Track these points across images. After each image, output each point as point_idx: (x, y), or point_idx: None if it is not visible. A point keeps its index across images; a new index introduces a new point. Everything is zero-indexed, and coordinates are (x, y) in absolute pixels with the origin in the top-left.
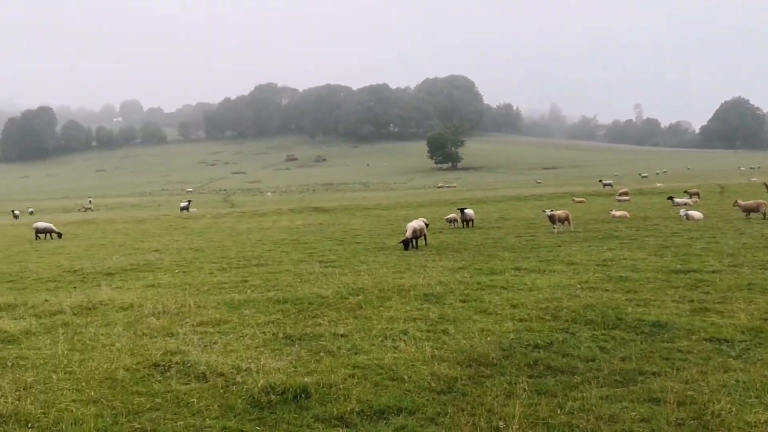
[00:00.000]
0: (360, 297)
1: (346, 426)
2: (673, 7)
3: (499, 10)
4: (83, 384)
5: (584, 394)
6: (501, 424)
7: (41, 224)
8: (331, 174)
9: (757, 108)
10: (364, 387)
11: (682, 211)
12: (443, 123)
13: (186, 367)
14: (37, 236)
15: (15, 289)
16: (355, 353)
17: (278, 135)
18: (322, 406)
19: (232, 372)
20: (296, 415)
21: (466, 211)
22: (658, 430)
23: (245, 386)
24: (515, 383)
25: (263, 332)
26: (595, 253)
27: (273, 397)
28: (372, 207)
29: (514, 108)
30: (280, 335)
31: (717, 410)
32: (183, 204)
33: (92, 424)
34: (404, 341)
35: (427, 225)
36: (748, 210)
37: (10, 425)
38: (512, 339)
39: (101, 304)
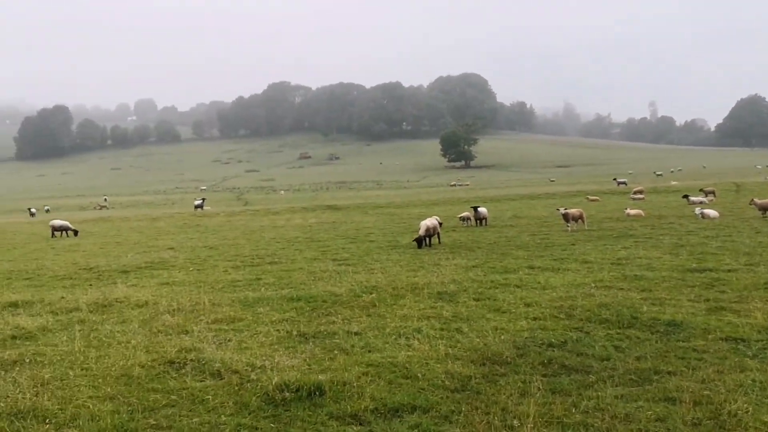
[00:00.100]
0: (373, 295)
1: (360, 424)
2: (688, 1)
3: (512, 5)
4: (100, 380)
5: (599, 393)
6: (515, 422)
7: (57, 222)
8: (344, 172)
9: None
10: (378, 385)
11: (697, 210)
12: (456, 121)
13: (201, 364)
14: (53, 234)
15: (32, 287)
16: (369, 351)
17: (291, 133)
18: (336, 403)
19: (246, 369)
20: (310, 413)
21: (479, 209)
22: (673, 430)
23: (260, 384)
24: (529, 382)
25: (277, 330)
26: (609, 251)
27: (287, 394)
28: (385, 205)
29: (528, 106)
30: (294, 333)
31: (733, 410)
32: (197, 202)
33: (109, 421)
34: (418, 339)
35: (440, 224)
36: (765, 208)
37: (28, 421)
38: (526, 338)
39: (117, 302)
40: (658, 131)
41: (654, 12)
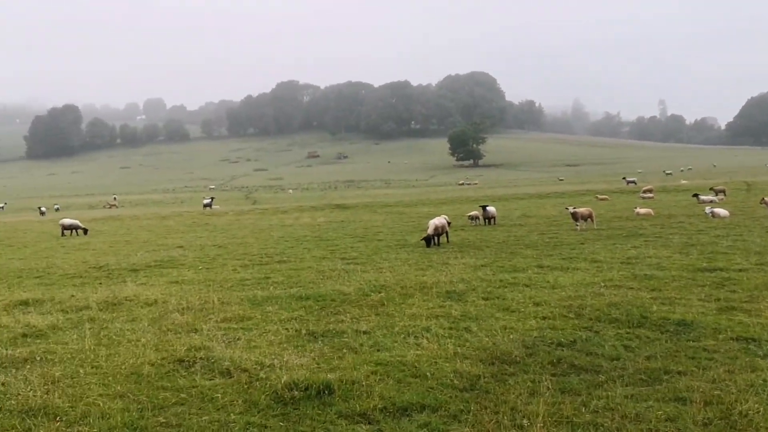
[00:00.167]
0: (382, 294)
1: (369, 423)
2: None
3: (521, 2)
4: (110, 378)
5: (609, 393)
6: (525, 422)
7: (67, 221)
8: (353, 171)
9: None
10: (387, 384)
11: (707, 209)
12: (465, 120)
13: (210, 362)
14: (63, 233)
15: (42, 285)
16: (378, 350)
17: (300, 132)
18: (345, 402)
19: (255, 368)
20: (319, 412)
21: (488, 208)
22: (684, 430)
23: (269, 382)
24: (539, 381)
25: (286, 329)
26: (619, 250)
27: (296, 393)
28: (393, 204)
29: (537, 105)
30: (303, 332)
31: (744, 410)
32: (206, 201)
33: (119, 418)
34: (427, 338)
35: (449, 223)
36: None
37: (39, 418)
38: (535, 337)
39: (126, 300)
40: (667, 130)
41: (663, 9)
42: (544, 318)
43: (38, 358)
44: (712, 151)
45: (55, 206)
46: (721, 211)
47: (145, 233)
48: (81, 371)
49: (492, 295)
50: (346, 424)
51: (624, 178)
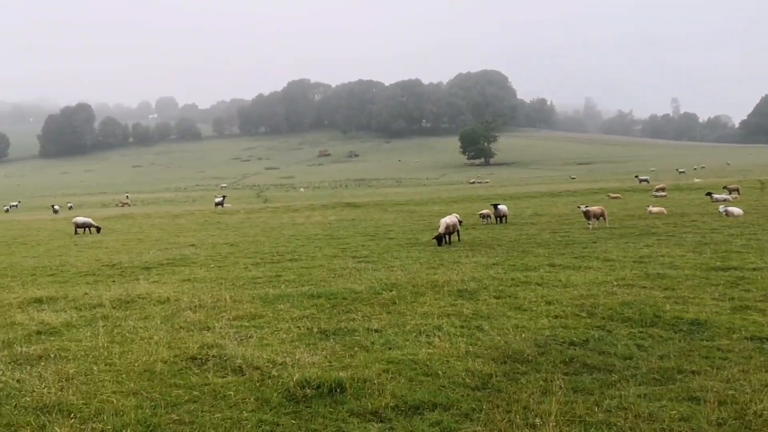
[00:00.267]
0: (393, 292)
1: (381, 421)
2: None
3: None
4: (123, 376)
5: (622, 392)
6: (537, 421)
7: (80, 219)
8: (364, 169)
9: None
10: (399, 382)
11: (721, 207)
12: (476, 118)
13: (222, 360)
14: (76, 231)
15: (56, 283)
16: (389, 348)
17: (311, 131)
18: (357, 400)
19: (267, 366)
20: (331, 410)
21: (499, 206)
22: (698, 430)
23: (281, 380)
24: (551, 380)
25: (298, 327)
26: (631, 249)
27: (308, 391)
28: (404, 202)
29: (548, 103)
30: (315, 330)
31: (759, 410)
32: (217, 199)
33: (132, 415)
34: (438, 337)
35: (460, 221)
36: None
37: (54, 415)
38: (547, 336)
39: (139, 298)
40: (680, 128)
41: (677, 5)
42: (556, 317)
43: (52, 355)
44: (726, 149)
45: (69, 204)
46: (735, 210)
47: (158, 231)
48: (95, 368)
49: (504, 293)
50: (357, 422)
51: (636, 177)
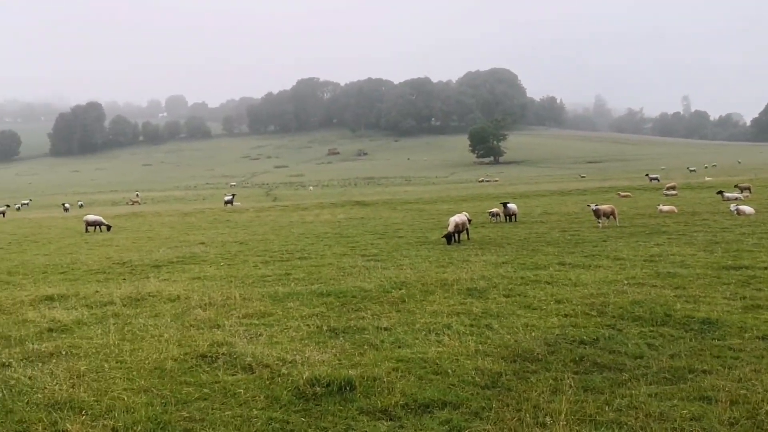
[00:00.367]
0: (403, 291)
1: (391, 419)
2: None
3: None
4: (134, 373)
5: (632, 392)
6: (547, 419)
7: (91, 217)
8: (373, 168)
9: None
10: (408, 380)
11: (732, 206)
12: (485, 117)
13: (232, 358)
14: (87, 229)
15: (67, 280)
16: (399, 347)
17: (320, 129)
18: (366, 398)
19: (277, 364)
20: (341, 408)
21: (509, 205)
22: (709, 429)
23: (290, 378)
24: (561, 379)
25: (307, 325)
26: (641, 248)
27: (318, 389)
28: (413, 201)
29: (558, 101)
30: (324, 328)
31: None
32: (227, 198)
33: (143, 413)
34: (448, 335)
35: (469, 220)
36: None
37: (65, 411)
38: (557, 335)
39: (149, 296)
40: (691, 126)
41: (688, 1)
42: (566, 316)
43: (64, 353)
44: (737, 148)
45: (79, 203)
46: (747, 209)
47: (167, 230)
48: (106, 366)
49: (513, 292)
50: (367, 421)
51: (647, 175)
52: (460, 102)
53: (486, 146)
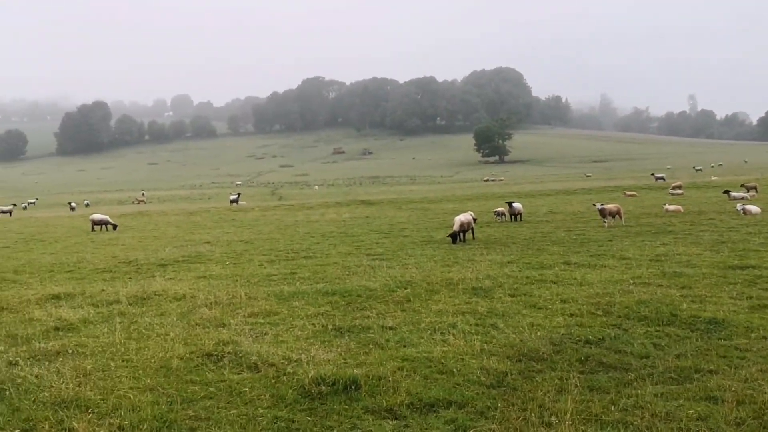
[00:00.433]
0: (408, 290)
1: (396, 418)
2: None
3: None
4: (140, 372)
5: (638, 392)
6: (553, 419)
7: (97, 216)
8: (378, 167)
9: None
10: (414, 380)
11: (739, 206)
12: (490, 116)
13: (238, 357)
14: (93, 228)
15: (73, 279)
16: (404, 346)
17: (325, 128)
18: (371, 397)
19: (283, 363)
20: (346, 407)
21: (514, 204)
22: (716, 430)
23: (296, 377)
24: (567, 379)
25: (313, 324)
26: (647, 247)
27: (323, 388)
28: (418, 200)
29: (563, 100)
30: (330, 327)
31: None
32: (232, 197)
33: (149, 411)
34: (453, 335)
35: (474, 219)
36: None
37: (71, 410)
38: (563, 334)
39: (155, 295)
40: (697, 125)
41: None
42: (571, 315)
43: (70, 351)
44: (744, 147)
45: (85, 202)
46: (753, 208)
47: (173, 229)
48: (112, 364)
49: (518, 291)
50: (372, 420)
51: (653, 174)
52: (465, 101)
53: (491, 145)
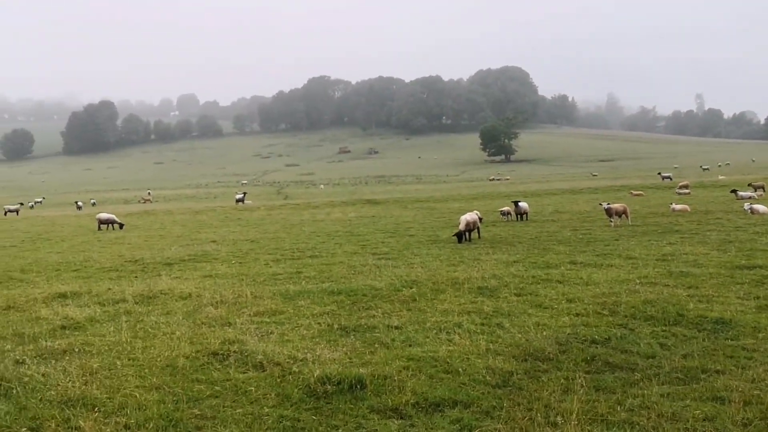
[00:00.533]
0: (413, 289)
1: (401, 418)
2: None
3: None
4: (146, 370)
5: (644, 392)
6: (559, 419)
7: (104, 215)
8: (384, 166)
9: None
10: (419, 379)
11: (746, 205)
12: (496, 115)
13: (244, 356)
14: (99, 227)
15: (80, 278)
16: (410, 345)
17: (331, 127)
18: (377, 397)
19: (288, 362)
20: (352, 406)
21: (520, 204)
22: (722, 430)
23: (301, 376)
24: (572, 379)
25: (318, 323)
26: (654, 247)
27: (329, 387)
28: (424, 199)
29: (570, 99)
30: (335, 326)
31: None
32: (238, 196)
33: (155, 410)
34: (458, 334)
35: (480, 218)
36: None
37: (78, 408)
38: (569, 334)
39: (161, 294)
40: (704, 124)
41: None
42: (577, 315)
43: (77, 350)
44: (751, 146)
45: (92, 201)
46: (761, 208)
47: (179, 228)
48: (118, 363)
49: (524, 291)
50: (378, 419)
51: (659, 174)
52: (471, 100)
53: (497, 144)
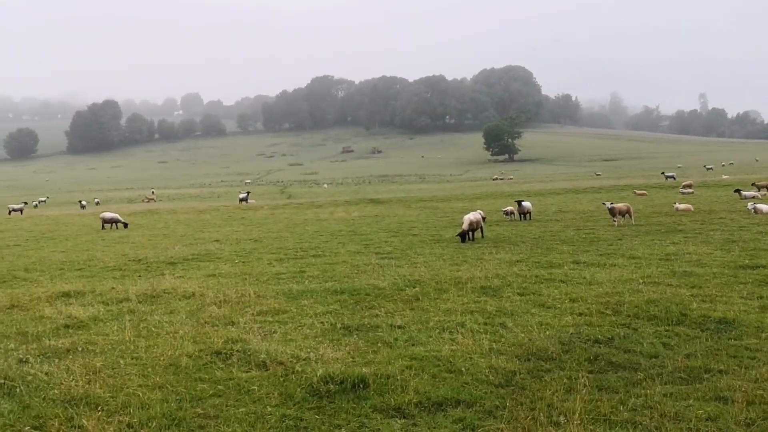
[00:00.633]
0: (417, 289)
1: (404, 417)
2: None
3: None
4: (149, 369)
5: (647, 391)
6: (562, 419)
7: (108, 214)
8: (387, 166)
9: None
10: (422, 378)
11: (750, 205)
12: (500, 114)
13: (247, 355)
14: (103, 226)
15: (83, 277)
16: (413, 345)
17: (334, 127)
18: (380, 396)
19: (291, 361)
20: (354, 405)
21: (523, 203)
22: (725, 430)
23: (304, 375)
24: (575, 378)
25: (321, 322)
26: (657, 247)
27: (332, 386)
28: (428, 199)
29: (573, 99)
30: (338, 326)
31: None
32: (242, 195)
33: (158, 409)
34: (461, 334)
35: (484, 218)
36: None
37: (81, 407)
38: (572, 333)
39: (165, 293)
40: (708, 124)
41: None
42: (580, 314)
43: (80, 349)
44: (755, 146)
45: (95, 200)
46: (764, 207)
47: (183, 227)
48: (121, 362)
49: (527, 290)
50: (380, 418)
51: (663, 173)
52: (474, 100)
53: (501, 144)
